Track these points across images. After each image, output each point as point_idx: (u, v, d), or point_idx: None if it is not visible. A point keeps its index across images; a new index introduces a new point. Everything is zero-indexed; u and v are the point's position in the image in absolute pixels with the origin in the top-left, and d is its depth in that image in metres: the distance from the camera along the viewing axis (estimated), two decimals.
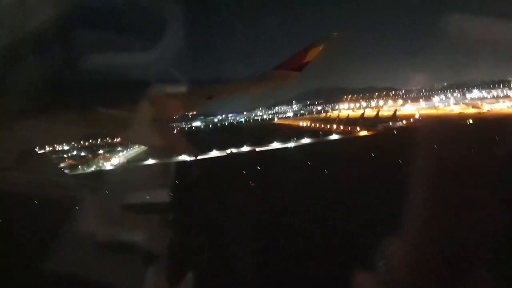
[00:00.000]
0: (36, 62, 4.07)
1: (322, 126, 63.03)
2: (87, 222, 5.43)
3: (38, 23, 3.88)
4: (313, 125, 70.41)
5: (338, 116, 75.81)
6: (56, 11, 4.01)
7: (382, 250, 2.41)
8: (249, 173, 29.02)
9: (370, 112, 72.26)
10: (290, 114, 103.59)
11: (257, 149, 47.77)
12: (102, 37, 4.50)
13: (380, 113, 65.89)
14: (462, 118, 48.17)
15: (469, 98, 65.52)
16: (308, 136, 51.58)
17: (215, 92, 4.96)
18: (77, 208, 5.39)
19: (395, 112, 59.29)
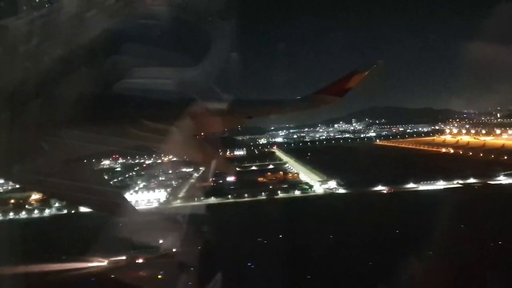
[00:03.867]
0: (86, 74, 4.28)
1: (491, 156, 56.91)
2: (131, 232, 5.55)
3: (89, 38, 4.09)
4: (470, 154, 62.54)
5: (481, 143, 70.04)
6: (106, 28, 4.21)
7: None
8: None
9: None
10: (372, 134, 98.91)
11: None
12: (149, 52, 4.65)
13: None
14: None
15: None
16: None
17: (255, 112, 4.92)
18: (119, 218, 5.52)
19: None
